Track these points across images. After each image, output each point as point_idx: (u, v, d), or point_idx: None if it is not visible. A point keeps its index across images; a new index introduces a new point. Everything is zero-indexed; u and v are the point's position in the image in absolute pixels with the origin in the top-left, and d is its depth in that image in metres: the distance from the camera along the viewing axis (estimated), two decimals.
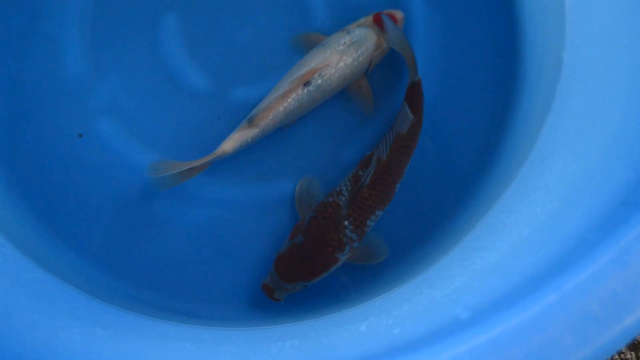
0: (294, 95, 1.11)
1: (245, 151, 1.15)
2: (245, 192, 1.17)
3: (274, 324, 1.03)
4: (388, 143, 1.07)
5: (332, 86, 1.13)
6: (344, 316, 1.00)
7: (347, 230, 1.03)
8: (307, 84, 1.11)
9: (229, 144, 1.11)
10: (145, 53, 1.20)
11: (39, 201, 1.14)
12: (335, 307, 1.04)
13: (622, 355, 1.20)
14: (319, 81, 1.11)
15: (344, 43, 1.13)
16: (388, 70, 1.22)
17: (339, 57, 1.12)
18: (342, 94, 1.19)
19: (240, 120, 1.14)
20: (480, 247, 0.97)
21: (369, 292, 1.06)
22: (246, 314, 1.12)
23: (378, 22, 1.15)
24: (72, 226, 1.13)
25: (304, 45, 1.20)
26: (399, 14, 1.18)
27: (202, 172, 1.13)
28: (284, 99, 1.11)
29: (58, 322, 0.86)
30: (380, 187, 1.05)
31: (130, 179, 1.15)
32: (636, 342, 1.20)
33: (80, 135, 1.16)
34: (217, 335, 0.99)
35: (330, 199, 1.06)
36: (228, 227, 1.15)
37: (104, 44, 1.20)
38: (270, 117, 1.11)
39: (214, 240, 1.14)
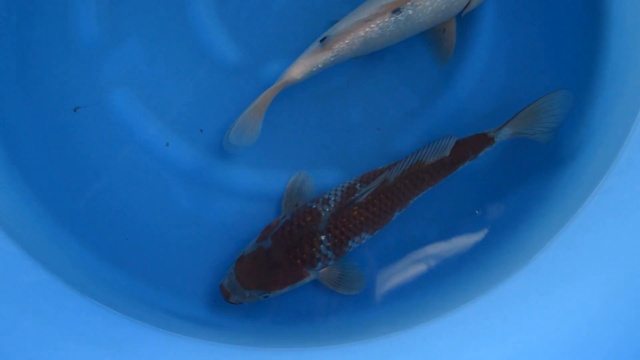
0: (379, 22, 0.95)
1: (288, 138, 1.01)
2: (275, 184, 1.01)
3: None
4: (404, 166, 0.91)
5: (422, 20, 0.96)
6: None
7: (322, 245, 0.88)
8: (396, 11, 0.95)
9: (298, 69, 0.96)
10: (170, 17, 1.05)
11: (39, 180, 1.00)
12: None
13: None
14: (410, 11, 0.95)
15: None
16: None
17: None
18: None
19: (276, 100, 0.98)
20: None
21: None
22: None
23: None
24: (73, 210, 0.99)
25: None
26: None
27: (229, 160, 1.00)
28: (366, 24, 0.95)
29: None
30: (374, 210, 0.90)
31: (143, 158, 1.01)
32: None
33: (75, 110, 1.01)
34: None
35: (314, 206, 0.91)
36: (258, 221, 1.00)
37: (124, 4, 1.05)
38: (346, 41, 0.96)
39: (242, 233, 0.99)
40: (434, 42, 1.02)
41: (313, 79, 1.02)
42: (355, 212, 0.89)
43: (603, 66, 1.02)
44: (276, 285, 0.89)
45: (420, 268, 0.99)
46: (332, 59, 0.97)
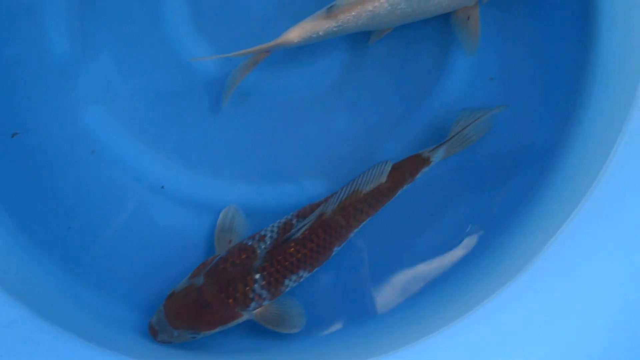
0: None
1: (270, 148, 0.97)
2: (263, 197, 0.97)
3: None
4: (340, 197, 0.86)
5: (437, 1, 0.91)
6: None
7: (256, 284, 0.83)
8: None
9: (297, 32, 0.91)
10: (144, 29, 1.01)
11: (13, 203, 0.96)
12: None
13: None
14: None
15: None
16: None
17: None
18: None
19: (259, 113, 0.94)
20: None
21: None
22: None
23: None
24: (47, 231, 0.95)
25: None
26: None
27: (210, 175, 0.96)
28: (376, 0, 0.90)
29: None
30: (311, 245, 0.85)
31: (120, 177, 0.97)
32: None
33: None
34: None
35: (250, 243, 0.85)
36: None
37: (96, 16, 1.01)
38: (353, 13, 0.90)
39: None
40: (460, 31, 0.97)
41: (295, 84, 0.98)
42: (292, 249, 0.84)
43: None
44: (206, 326, 0.84)
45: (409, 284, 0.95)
46: (335, 29, 0.92)
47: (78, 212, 0.96)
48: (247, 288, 0.84)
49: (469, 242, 0.96)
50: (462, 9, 0.95)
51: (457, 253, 0.95)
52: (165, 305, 0.85)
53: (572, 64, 0.99)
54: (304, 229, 0.84)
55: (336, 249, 0.88)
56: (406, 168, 0.89)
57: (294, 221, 0.87)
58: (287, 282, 0.85)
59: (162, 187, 0.96)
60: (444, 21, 0.99)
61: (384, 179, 0.87)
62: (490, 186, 0.98)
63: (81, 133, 0.98)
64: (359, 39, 1.00)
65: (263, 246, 0.85)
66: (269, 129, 0.98)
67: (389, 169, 0.87)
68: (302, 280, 0.87)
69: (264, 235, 0.86)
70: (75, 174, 0.97)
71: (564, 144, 0.97)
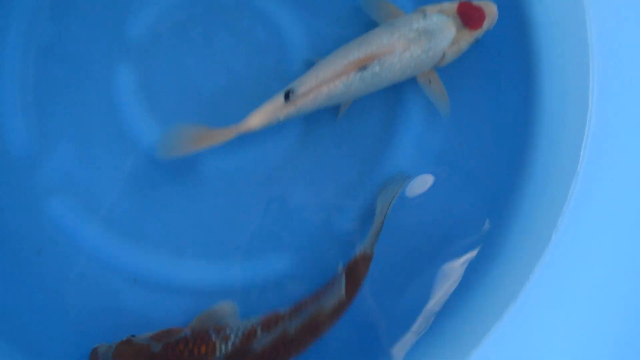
0: (343, 79, 0.93)
1: (232, 225, 0.99)
2: (228, 274, 1.00)
3: None
4: (305, 315, 0.88)
5: (390, 76, 0.95)
6: None
7: None
8: (362, 68, 0.93)
9: (257, 119, 0.94)
10: (100, 116, 1.02)
11: None
12: None
13: None
14: (377, 69, 0.94)
15: (416, 29, 0.94)
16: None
17: (406, 45, 0.94)
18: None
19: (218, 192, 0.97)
20: None
21: None
22: None
23: (463, 15, 0.96)
24: (22, 323, 0.97)
25: (374, 13, 1.01)
26: (491, 8, 0.98)
27: (174, 256, 0.98)
28: (330, 81, 0.93)
29: None
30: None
31: (91, 268, 0.99)
32: None
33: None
34: None
35: (213, 337, 0.87)
36: None
37: (51, 106, 1.02)
38: (310, 97, 0.94)
39: None
40: (428, 93, 1.01)
41: (251, 160, 1.01)
42: None
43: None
44: None
45: None
46: (294, 113, 0.95)
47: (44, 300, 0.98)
48: None
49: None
50: (421, 74, 0.99)
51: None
52: (117, 347, 0.88)
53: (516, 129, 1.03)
54: (265, 344, 0.86)
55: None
56: (358, 272, 0.93)
57: (259, 332, 0.88)
58: None
59: (135, 280, 0.98)
60: (394, 87, 1.02)
61: (343, 292, 0.90)
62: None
63: (46, 224, 0.99)
64: (312, 115, 1.02)
65: (224, 348, 0.87)
66: (228, 207, 1.01)
67: (344, 279, 0.90)
68: None
69: (228, 336, 0.88)
70: (38, 265, 0.98)
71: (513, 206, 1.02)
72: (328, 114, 1.03)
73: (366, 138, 1.04)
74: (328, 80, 0.93)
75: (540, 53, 1.06)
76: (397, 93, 1.03)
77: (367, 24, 1.05)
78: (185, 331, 0.90)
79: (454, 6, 0.98)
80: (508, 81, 1.07)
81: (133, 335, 0.90)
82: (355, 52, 0.94)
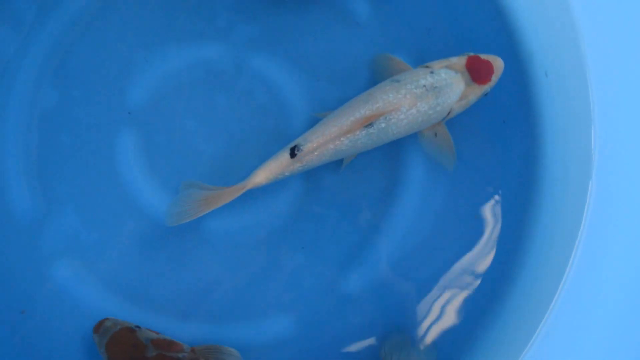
0: (349, 136, 0.94)
1: (235, 289, 1.01)
2: (229, 335, 1.01)
3: None
4: None
5: (396, 132, 0.96)
6: None
7: None
8: (369, 125, 0.94)
9: (263, 175, 0.95)
10: (102, 177, 1.04)
11: None
12: None
13: None
14: (383, 125, 0.94)
15: (423, 86, 0.95)
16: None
17: (413, 102, 0.94)
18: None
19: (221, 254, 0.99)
20: None
21: None
22: None
23: (472, 70, 0.97)
24: None
25: (382, 67, 1.03)
26: (499, 62, 0.99)
27: (178, 317, 1.00)
28: (336, 138, 0.94)
29: None
30: None
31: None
32: None
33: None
34: None
35: None
36: None
37: (55, 171, 1.04)
38: (315, 154, 0.95)
39: None
40: (431, 149, 1.01)
41: (253, 221, 1.03)
42: None
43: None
44: None
45: None
46: (300, 168, 0.96)
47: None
48: None
49: None
50: (427, 127, 0.99)
51: None
52: (120, 331, 0.90)
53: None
54: None
55: None
56: None
57: None
58: None
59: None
60: (394, 147, 1.04)
61: None
62: None
63: (52, 288, 1.01)
64: (313, 171, 1.04)
65: None
66: (231, 268, 1.02)
67: None
68: None
69: None
70: (32, 326, 1.00)
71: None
72: (331, 167, 1.04)
73: (367, 196, 1.05)
74: (334, 137, 0.94)
75: (543, 117, 1.07)
76: (399, 149, 1.05)
77: (367, 83, 1.08)
78: (185, 352, 0.91)
79: (462, 61, 0.98)
80: (512, 141, 1.08)
81: (139, 327, 0.92)
82: (361, 108, 0.95)
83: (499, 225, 1.06)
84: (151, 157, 1.04)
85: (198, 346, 0.95)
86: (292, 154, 0.95)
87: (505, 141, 1.08)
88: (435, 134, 1.00)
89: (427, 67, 0.98)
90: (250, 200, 1.03)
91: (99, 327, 0.93)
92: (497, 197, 1.06)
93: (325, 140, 0.94)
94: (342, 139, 0.94)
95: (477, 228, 1.06)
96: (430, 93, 0.95)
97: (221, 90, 1.06)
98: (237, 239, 1.03)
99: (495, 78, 0.99)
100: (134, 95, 1.06)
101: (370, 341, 1.00)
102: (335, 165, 1.03)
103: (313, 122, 1.05)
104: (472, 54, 0.99)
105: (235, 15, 1.09)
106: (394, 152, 1.06)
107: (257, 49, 1.08)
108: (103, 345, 0.91)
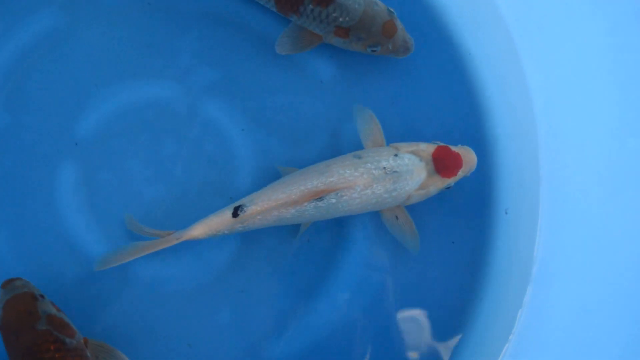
0: (297, 206, 0.92)
1: (154, 340, 0.98)
2: None
3: None
4: None
5: (347, 209, 0.93)
6: None
7: None
8: (318, 199, 0.91)
9: (201, 229, 0.93)
10: (38, 206, 1.02)
11: None
12: None
13: None
14: (334, 200, 0.91)
15: (383, 168, 0.92)
16: None
17: (369, 183, 0.91)
18: None
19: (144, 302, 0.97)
20: None
21: None
22: None
23: (438, 161, 0.94)
24: None
25: (362, 121, 1.00)
26: (470, 156, 0.96)
27: None
28: (282, 206, 0.92)
29: None
30: None
31: None
32: None
33: None
34: None
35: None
36: None
37: None
38: (258, 218, 0.92)
39: None
40: (394, 231, 0.98)
41: (181, 274, 1.00)
42: None
43: None
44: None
45: None
46: (240, 229, 0.94)
47: None
48: None
49: None
50: (387, 209, 0.96)
51: None
52: (22, 294, 0.88)
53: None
54: None
55: None
56: None
57: None
58: None
59: None
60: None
61: None
62: None
63: None
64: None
65: None
66: (153, 319, 1.00)
67: None
68: None
69: None
70: None
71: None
72: (267, 235, 1.01)
73: (305, 269, 1.02)
74: (280, 204, 0.92)
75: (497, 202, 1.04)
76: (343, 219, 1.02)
77: (324, 145, 1.05)
78: (74, 340, 0.88)
79: (430, 149, 0.95)
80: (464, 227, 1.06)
81: (43, 297, 0.89)
82: (315, 179, 0.92)
83: (443, 306, 1.03)
84: (91, 192, 1.03)
85: (93, 340, 0.92)
86: (235, 214, 0.92)
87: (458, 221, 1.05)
88: (396, 217, 0.97)
89: (394, 147, 0.95)
90: (183, 249, 1.01)
91: (8, 283, 0.91)
92: (442, 272, 1.03)
93: (271, 206, 0.92)
94: (288, 208, 0.92)
95: (419, 302, 1.03)
96: (388, 177, 0.92)
97: (171, 134, 1.04)
98: (165, 288, 1.00)
99: (462, 173, 0.95)
100: (83, 127, 1.04)
101: None
102: (276, 232, 1.01)
103: (259, 179, 1.03)
104: (441, 143, 0.96)
105: (197, 57, 1.07)
106: (339, 222, 1.03)
107: (214, 96, 1.05)
108: (2, 302, 0.89)
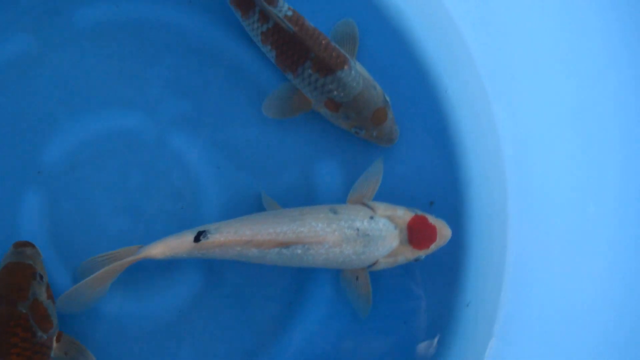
0: (261, 248, 0.90)
1: None
2: None
3: None
4: None
5: (312, 262, 0.91)
6: None
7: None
8: (285, 247, 0.90)
9: (160, 248, 0.91)
10: (1, 247, 0.98)
11: None
12: None
13: None
14: (299, 251, 0.89)
15: (357, 229, 0.90)
16: None
17: (339, 241, 0.89)
18: None
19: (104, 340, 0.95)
20: None
21: None
22: None
23: (412, 231, 0.92)
24: None
25: (370, 174, 0.99)
26: (445, 231, 0.94)
27: None
28: (245, 244, 0.90)
29: None
30: None
31: None
32: None
33: None
34: None
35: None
36: None
37: None
38: (219, 249, 0.91)
39: None
40: (349, 291, 0.97)
41: (141, 314, 0.99)
42: None
43: None
44: None
45: None
46: (199, 256, 0.92)
47: None
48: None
49: None
50: (349, 269, 0.95)
51: None
52: (20, 264, 0.88)
53: None
54: None
55: None
56: None
57: None
58: None
59: None
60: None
61: None
62: None
63: None
64: (216, 263, 1.00)
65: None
66: (115, 357, 0.98)
67: None
68: None
69: None
70: None
71: None
72: (231, 271, 1.00)
73: (271, 309, 1.01)
74: (244, 242, 0.90)
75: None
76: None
77: (294, 182, 1.04)
78: (46, 335, 0.86)
79: (407, 216, 0.93)
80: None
81: (42, 279, 0.88)
82: (285, 225, 0.90)
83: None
84: (54, 223, 1.01)
85: (67, 335, 0.91)
86: (197, 239, 0.91)
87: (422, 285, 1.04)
88: (357, 278, 0.95)
89: (372, 208, 0.93)
90: (145, 285, 0.99)
91: (20, 246, 0.91)
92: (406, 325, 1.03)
93: (234, 241, 0.90)
94: (251, 247, 0.90)
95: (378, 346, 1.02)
96: (359, 239, 0.90)
97: (137, 165, 1.03)
98: (124, 325, 0.99)
99: (434, 247, 0.94)
100: (48, 155, 1.02)
101: None
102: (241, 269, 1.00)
103: (226, 212, 1.02)
104: (420, 212, 0.94)
105: (167, 87, 1.05)
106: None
107: (183, 127, 1.04)
108: (5, 260, 0.88)
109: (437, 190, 1.04)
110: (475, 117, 1.06)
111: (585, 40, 0.97)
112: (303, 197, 1.03)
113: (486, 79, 1.04)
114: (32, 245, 0.92)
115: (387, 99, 0.99)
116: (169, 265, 1.00)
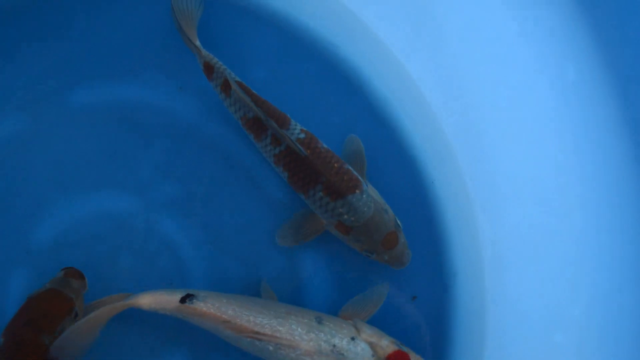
0: (235, 332, 0.92)
1: None
2: None
3: None
4: None
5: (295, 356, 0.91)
6: None
7: None
8: (256, 333, 0.90)
9: (148, 299, 0.93)
10: None
11: None
12: None
13: None
14: (270, 348, 0.90)
15: (333, 346, 0.90)
16: None
17: (312, 352, 0.89)
18: None
19: None
20: None
21: None
22: None
23: None
24: None
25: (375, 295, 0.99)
26: None
27: None
28: (223, 322, 0.92)
29: None
30: None
31: None
32: None
33: None
34: None
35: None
36: None
37: None
38: (198, 318, 0.93)
39: None
40: None
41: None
42: None
43: None
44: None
45: None
46: (179, 316, 0.94)
47: None
48: None
49: None
50: None
51: None
52: (56, 293, 0.90)
53: None
54: None
55: None
56: None
57: None
58: None
59: None
60: None
61: None
62: None
63: None
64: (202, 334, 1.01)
65: None
66: None
67: None
68: None
69: None
70: None
71: None
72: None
73: None
74: (223, 320, 0.92)
75: None
76: None
77: (278, 268, 1.05)
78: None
79: (390, 349, 0.92)
80: None
81: (77, 314, 0.90)
82: (266, 318, 0.91)
83: None
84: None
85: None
86: (183, 300, 0.93)
87: None
88: None
89: (358, 328, 0.93)
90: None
91: (69, 275, 0.93)
92: None
93: (215, 316, 0.92)
94: (227, 328, 0.92)
95: None
96: (332, 356, 0.90)
97: (126, 249, 1.04)
98: None
99: None
100: (38, 236, 1.03)
101: None
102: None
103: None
104: (405, 348, 0.93)
105: (159, 171, 1.07)
106: None
107: (172, 212, 1.06)
108: (51, 284, 0.90)
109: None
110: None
111: (570, 134, 1.01)
112: (289, 285, 1.04)
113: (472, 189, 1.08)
114: (82, 277, 0.94)
115: (399, 222, 1.00)
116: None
